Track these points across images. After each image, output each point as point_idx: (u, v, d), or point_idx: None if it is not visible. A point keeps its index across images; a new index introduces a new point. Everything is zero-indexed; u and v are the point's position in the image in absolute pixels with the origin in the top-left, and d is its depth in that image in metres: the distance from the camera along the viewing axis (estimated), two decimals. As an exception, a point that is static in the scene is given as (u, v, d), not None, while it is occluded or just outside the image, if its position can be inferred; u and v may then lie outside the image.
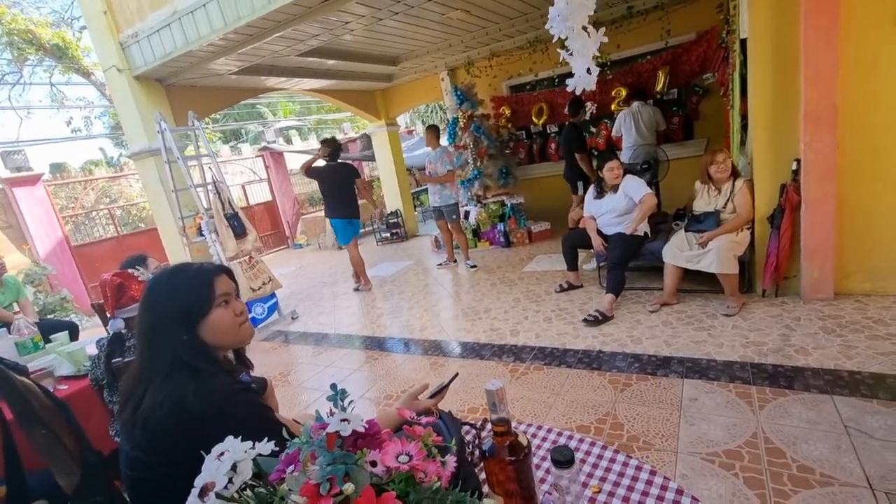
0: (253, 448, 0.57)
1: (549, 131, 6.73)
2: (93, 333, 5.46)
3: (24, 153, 6.92)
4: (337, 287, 5.85)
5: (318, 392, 3.15)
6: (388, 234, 8.15)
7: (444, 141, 7.94)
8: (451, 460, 0.76)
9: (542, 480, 1.00)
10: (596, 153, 5.88)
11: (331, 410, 0.70)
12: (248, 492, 0.57)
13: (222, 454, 0.55)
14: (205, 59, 4.29)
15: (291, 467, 0.66)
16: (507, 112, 6.76)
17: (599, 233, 3.77)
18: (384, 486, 0.64)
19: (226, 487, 0.53)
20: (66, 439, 1.00)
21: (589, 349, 2.97)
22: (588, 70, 1.86)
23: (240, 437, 0.72)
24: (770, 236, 3.09)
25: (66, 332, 2.78)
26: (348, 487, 0.55)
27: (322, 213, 9.38)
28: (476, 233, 6.28)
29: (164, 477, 0.92)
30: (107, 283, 1.98)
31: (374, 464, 0.66)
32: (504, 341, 3.32)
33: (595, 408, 2.34)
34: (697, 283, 3.52)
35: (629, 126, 5.22)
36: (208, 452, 0.87)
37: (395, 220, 8.06)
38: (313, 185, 11.49)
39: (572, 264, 4.01)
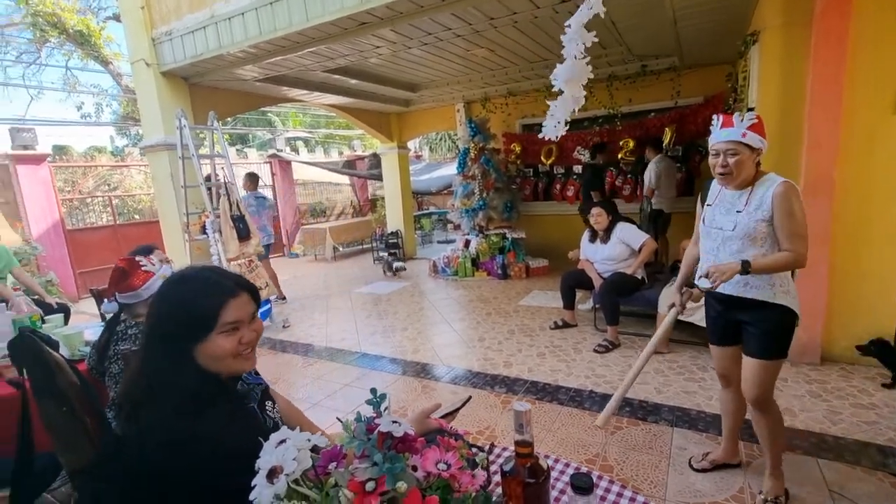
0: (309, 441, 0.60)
1: (555, 172, 6.91)
2: (78, 320, 5.36)
3: (34, 132, 6.92)
4: (331, 299, 5.84)
5: (306, 403, 3.12)
6: (385, 254, 8.17)
7: (452, 170, 8.11)
8: (480, 474, 0.79)
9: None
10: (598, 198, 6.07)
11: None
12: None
13: (283, 441, 0.58)
14: (234, 63, 4.41)
15: (334, 464, 0.69)
16: (518, 149, 6.95)
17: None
18: (423, 491, 0.67)
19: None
20: (88, 419, 1.00)
21: (581, 388, 2.99)
22: (556, 125, 2.17)
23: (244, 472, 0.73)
24: (764, 297, 3.18)
25: (62, 314, 2.75)
26: (401, 486, 0.58)
27: (322, 225, 9.44)
28: (475, 262, 6.35)
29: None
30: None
31: (414, 468, 0.69)
32: (497, 371, 3.34)
33: (585, 447, 2.35)
34: (689, 334, 3.58)
35: (667, 178, 5.33)
36: (212, 490, 0.87)
37: (395, 241, 8.11)
38: (316, 197, 11.58)
39: (569, 303, 4.07)
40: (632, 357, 3.42)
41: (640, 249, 3.72)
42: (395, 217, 8.44)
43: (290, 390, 3.33)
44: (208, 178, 4.60)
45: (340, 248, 9.21)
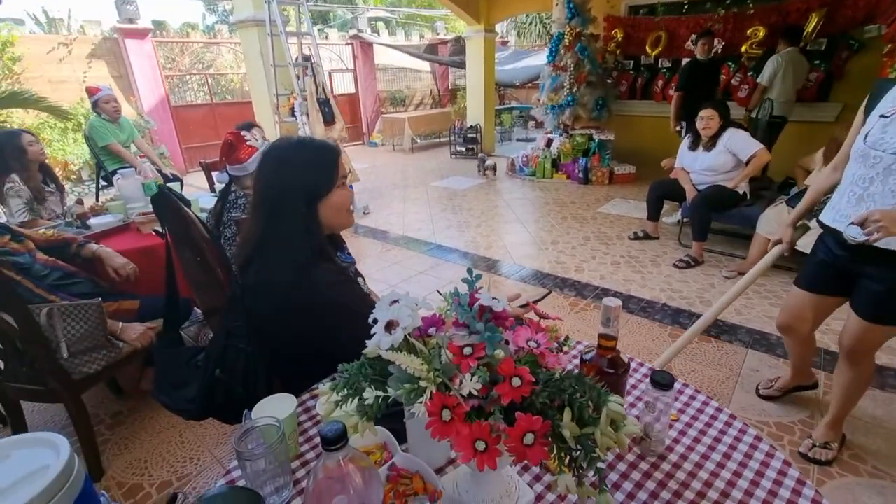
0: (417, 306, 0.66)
1: (660, 66, 6.09)
2: (186, 192, 6.00)
3: (136, 4, 7.16)
4: (408, 190, 5.99)
5: (382, 284, 3.39)
6: (463, 149, 8.03)
7: (540, 60, 7.41)
8: (564, 358, 0.83)
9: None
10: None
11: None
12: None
13: (395, 301, 0.64)
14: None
15: (433, 328, 0.75)
16: (620, 36, 6.11)
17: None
18: (514, 363, 0.72)
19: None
20: (217, 269, 1.17)
21: (654, 300, 2.95)
22: None
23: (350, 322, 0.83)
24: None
25: (179, 182, 3.09)
26: (499, 353, 0.63)
27: (401, 115, 9.33)
28: (555, 163, 6.07)
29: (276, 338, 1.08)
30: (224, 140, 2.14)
31: (506, 342, 0.74)
32: (568, 275, 3.36)
33: (650, 355, 2.39)
34: (786, 259, 3.29)
35: (785, 76, 4.39)
36: (321, 334, 1.01)
37: (474, 136, 7.88)
38: (396, 84, 11.28)
39: (654, 214, 3.85)
40: (714, 276, 3.26)
41: (748, 161, 3.32)
42: (475, 110, 8.09)
43: (368, 272, 3.61)
44: (296, 59, 4.61)
45: (418, 140, 9.16)
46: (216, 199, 2.11)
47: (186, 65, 8.33)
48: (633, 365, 1.17)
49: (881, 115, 1.36)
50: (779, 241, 1.77)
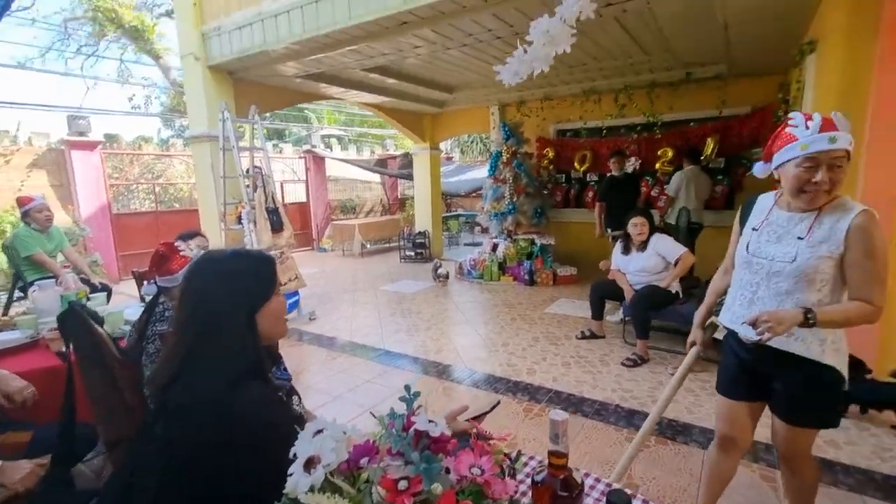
0: (345, 434, 0.59)
1: (588, 179, 6.79)
2: (117, 301, 5.58)
3: (88, 120, 7.27)
4: (357, 294, 5.90)
5: (327, 396, 3.15)
6: (412, 253, 8.22)
7: (482, 172, 8.09)
8: (511, 483, 0.76)
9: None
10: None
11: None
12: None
13: (320, 431, 0.57)
14: (277, 59, 4.51)
15: (366, 459, 0.67)
16: (551, 154, 6.86)
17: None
18: (456, 495, 0.65)
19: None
20: (127, 393, 1.03)
21: (607, 401, 2.91)
22: (515, 73, 2.14)
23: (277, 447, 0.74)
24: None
25: (105, 293, 2.87)
26: (436, 488, 0.56)
27: (351, 221, 9.56)
28: (501, 266, 6.29)
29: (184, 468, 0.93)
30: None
31: (447, 470, 0.67)
32: (520, 378, 3.29)
33: (610, 463, 2.28)
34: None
35: (688, 188, 5.00)
36: (246, 463, 0.89)
37: (422, 241, 8.14)
38: (347, 193, 11.74)
39: (598, 313, 3.98)
40: (661, 374, 3.31)
41: (675, 262, 3.60)
42: (423, 217, 8.47)
43: (313, 381, 3.37)
44: (247, 171, 4.73)
45: (368, 245, 9.31)
46: (142, 311, 1.95)
47: (135, 174, 8.32)
48: (589, 481, 1.10)
49: (753, 228, 1.50)
50: (693, 343, 1.79)
